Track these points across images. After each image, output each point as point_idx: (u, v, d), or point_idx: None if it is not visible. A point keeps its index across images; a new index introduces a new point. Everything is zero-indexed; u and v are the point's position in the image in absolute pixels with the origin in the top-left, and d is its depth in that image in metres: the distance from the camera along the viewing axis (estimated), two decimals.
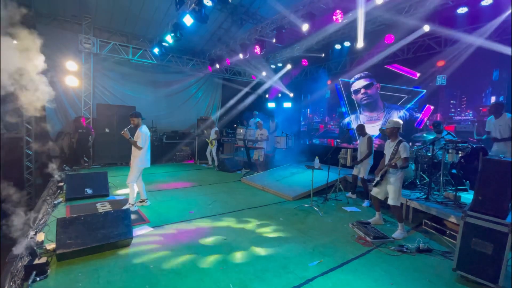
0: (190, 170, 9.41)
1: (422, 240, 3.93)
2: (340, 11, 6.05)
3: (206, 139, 9.99)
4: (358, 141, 6.09)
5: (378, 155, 5.21)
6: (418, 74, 8.37)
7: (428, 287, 2.96)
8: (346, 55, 10.33)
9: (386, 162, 4.31)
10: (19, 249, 3.07)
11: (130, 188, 4.99)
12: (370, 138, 5.81)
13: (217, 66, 10.73)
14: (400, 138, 4.24)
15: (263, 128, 9.48)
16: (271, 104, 14.43)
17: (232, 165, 9.28)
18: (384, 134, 4.74)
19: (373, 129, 9.27)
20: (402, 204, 4.78)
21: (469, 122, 7.21)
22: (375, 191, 4.49)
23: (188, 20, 6.69)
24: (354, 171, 6.10)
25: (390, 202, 4.21)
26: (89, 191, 5.60)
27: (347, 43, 9.19)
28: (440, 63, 7.67)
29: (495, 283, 2.78)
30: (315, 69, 12.00)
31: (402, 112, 8.83)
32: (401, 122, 4.36)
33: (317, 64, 11.52)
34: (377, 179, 4.36)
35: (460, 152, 5.02)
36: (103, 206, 5.14)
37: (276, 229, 4.40)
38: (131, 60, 9.96)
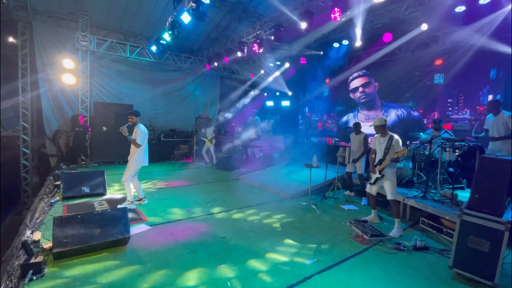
0: (188, 169, 9.38)
1: (419, 238, 3.95)
2: (338, 10, 6.04)
3: (203, 138, 9.95)
4: (351, 138, 6.11)
5: None
6: (416, 73, 8.38)
7: (425, 284, 2.98)
8: (345, 54, 10.33)
9: (380, 156, 4.34)
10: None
11: (126, 186, 4.97)
12: (366, 137, 5.86)
13: (215, 64, 10.68)
14: (390, 133, 4.30)
15: (257, 127, 9.68)
16: (269, 103, 14.42)
17: (230, 164, 9.27)
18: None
19: (371, 128, 9.29)
20: (399, 201, 4.81)
21: (467, 121, 7.24)
22: (370, 188, 4.52)
23: (186, 17, 6.65)
24: (348, 168, 6.14)
25: (390, 197, 4.25)
26: (86, 189, 5.56)
27: (345, 42, 9.19)
28: (438, 61, 7.69)
29: (492, 281, 2.80)
30: (313, 67, 11.99)
31: (400, 111, 8.85)
32: (385, 118, 4.48)
33: (316, 62, 11.51)
34: (377, 175, 4.35)
35: (457, 150, 5.05)
36: (100, 205, 5.12)
37: (274, 227, 4.41)
38: (129, 58, 9.89)
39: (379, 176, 4.33)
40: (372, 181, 4.47)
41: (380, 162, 4.31)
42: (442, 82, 7.80)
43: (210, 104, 13.14)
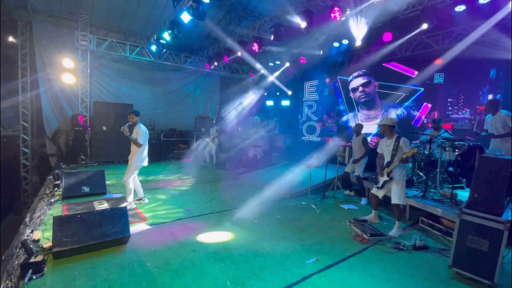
0: (188, 168, 9.38)
1: (419, 237, 3.95)
2: (338, 9, 6.03)
3: (206, 138, 9.95)
4: (352, 140, 6.14)
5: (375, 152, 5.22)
6: (415, 73, 8.37)
7: (424, 284, 2.98)
8: (344, 53, 10.31)
9: (388, 159, 4.26)
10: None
11: (126, 186, 4.97)
12: (364, 138, 5.86)
13: (215, 63, 10.69)
14: (397, 135, 4.24)
15: (257, 127, 9.67)
16: (269, 102, 14.40)
17: (230, 163, 9.28)
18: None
19: (371, 128, 9.29)
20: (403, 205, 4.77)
21: (466, 121, 7.23)
22: (377, 191, 4.42)
23: (185, 17, 6.64)
24: (347, 168, 6.13)
25: (396, 201, 4.13)
26: (86, 189, 5.57)
27: (345, 41, 9.16)
28: (438, 61, 7.67)
29: (491, 280, 2.80)
30: (313, 67, 11.97)
31: (399, 111, 8.84)
32: (396, 119, 4.38)
33: (315, 62, 11.48)
34: (386, 178, 4.23)
35: (457, 150, 5.05)
36: (100, 204, 5.12)
37: (274, 226, 4.41)
38: (128, 57, 9.89)
39: (387, 178, 4.21)
40: (380, 185, 4.36)
41: (388, 164, 4.22)
42: (442, 82, 7.79)
43: (210, 104, 13.14)
